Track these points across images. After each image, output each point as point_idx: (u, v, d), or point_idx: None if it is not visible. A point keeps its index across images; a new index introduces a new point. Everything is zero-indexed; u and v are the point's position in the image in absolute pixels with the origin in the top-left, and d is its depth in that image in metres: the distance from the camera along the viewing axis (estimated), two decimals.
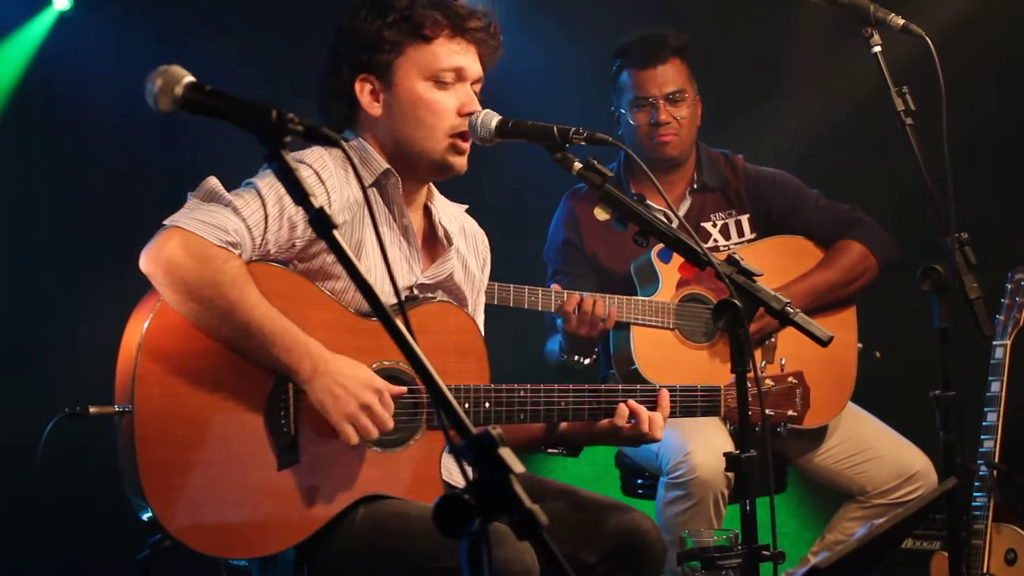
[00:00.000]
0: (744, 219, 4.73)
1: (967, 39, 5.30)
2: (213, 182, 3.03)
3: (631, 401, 3.25)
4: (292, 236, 3.06)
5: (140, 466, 2.87)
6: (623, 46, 4.74)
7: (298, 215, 3.01)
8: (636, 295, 4.53)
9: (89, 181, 5.59)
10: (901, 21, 3.74)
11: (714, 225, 4.70)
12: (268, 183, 3.01)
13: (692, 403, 3.35)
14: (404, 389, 3.03)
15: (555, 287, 4.36)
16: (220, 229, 2.93)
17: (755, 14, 5.82)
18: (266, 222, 3.00)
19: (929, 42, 3.69)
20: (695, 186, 4.73)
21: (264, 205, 3.00)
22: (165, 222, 2.96)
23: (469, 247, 3.47)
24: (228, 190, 3.04)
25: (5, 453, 5.36)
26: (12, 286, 5.50)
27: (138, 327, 2.97)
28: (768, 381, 3.44)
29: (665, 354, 4.44)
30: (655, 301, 4.48)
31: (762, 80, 5.82)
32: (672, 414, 3.31)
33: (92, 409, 2.97)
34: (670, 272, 4.52)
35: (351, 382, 2.96)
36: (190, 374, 2.93)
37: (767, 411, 3.37)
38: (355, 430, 2.97)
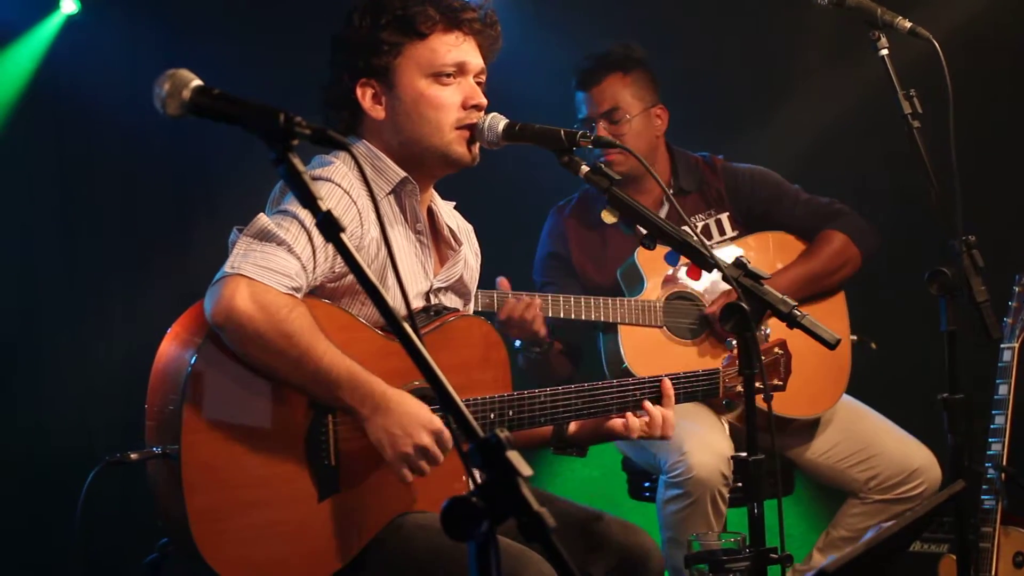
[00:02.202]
0: (724, 217, 4.75)
1: (974, 42, 5.30)
2: (264, 219, 2.99)
3: (646, 403, 3.28)
4: (334, 263, 3.05)
5: (190, 514, 2.86)
6: (575, 66, 4.80)
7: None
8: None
9: (96, 183, 5.61)
10: (908, 24, 3.74)
11: (695, 227, 4.70)
12: (307, 212, 2.99)
13: (694, 388, 3.39)
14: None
15: (501, 282, 4.34)
16: (284, 275, 2.92)
17: (762, 17, 5.82)
18: (314, 256, 2.99)
19: (936, 45, 3.69)
20: (671, 191, 4.73)
21: (311, 239, 2.98)
22: (225, 269, 2.92)
23: (465, 243, 3.47)
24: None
25: (10, 452, 5.39)
26: (19, 286, 5.51)
27: (176, 363, 2.95)
28: None
29: (654, 351, 4.48)
30: (641, 301, 4.51)
31: (769, 83, 5.82)
32: (676, 400, 3.33)
33: (132, 455, 2.95)
34: (655, 272, 4.54)
35: (409, 422, 2.95)
36: (233, 415, 2.94)
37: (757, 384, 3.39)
38: (409, 470, 2.97)
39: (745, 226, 4.76)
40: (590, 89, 4.72)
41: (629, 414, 3.28)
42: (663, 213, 4.71)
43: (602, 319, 4.44)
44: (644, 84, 4.75)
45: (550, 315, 4.39)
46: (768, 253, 4.67)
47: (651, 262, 4.55)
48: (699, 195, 4.76)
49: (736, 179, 4.77)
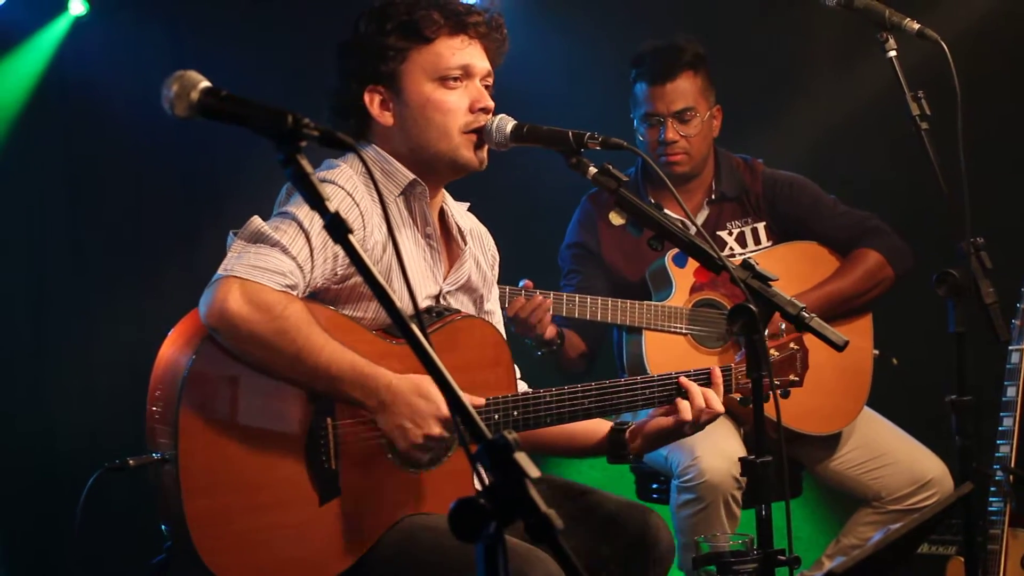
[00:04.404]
0: (760, 227, 4.72)
1: (982, 43, 5.29)
2: (258, 222, 3.00)
3: (683, 379, 3.28)
4: (335, 266, 3.05)
5: (188, 519, 2.87)
6: (638, 55, 4.70)
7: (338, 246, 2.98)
8: (651, 300, 4.53)
9: (105, 184, 5.62)
10: (916, 26, 3.74)
11: (730, 233, 4.68)
12: (306, 213, 2.98)
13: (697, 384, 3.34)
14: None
15: (526, 284, 4.31)
16: (277, 273, 2.92)
17: (771, 18, 5.81)
18: (312, 258, 2.99)
19: (944, 46, 3.68)
20: (713, 196, 4.71)
21: (309, 240, 2.98)
22: (219, 271, 2.93)
23: (476, 245, 3.47)
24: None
25: (16, 452, 5.39)
26: (27, 287, 5.52)
27: (174, 367, 2.96)
28: (773, 352, 3.45)
29: (677, 359, 4.43)
30: (668, 306, 4.48)
31: (778, 84, 5.81)
32: (685, 396, 3.30)
33: (131, 461, 2.95)
34: (684, 277, 4.52)
35: (416, 414, 2.95)
36: (231, 419, 2.94)
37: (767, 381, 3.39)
38: (425, 458, 2.99)
39: (780, 236, 4.73)
40: (663, 84, 4.61)
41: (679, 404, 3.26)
42: (701, 218, 4.70)
43: (627, 323, 4.42)
44: (709, 84, 4.69)
45: (576, 315, 4.36)
46: (801, 265, 4.64)
47: (679, 268, 4.52)
48: (739, 202, 4.72)
49: (775, 186, 4.73)
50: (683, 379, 3.28)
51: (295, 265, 2.96)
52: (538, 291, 4.29)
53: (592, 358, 4.69)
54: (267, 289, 2.91)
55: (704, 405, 3.26)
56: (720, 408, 3.29)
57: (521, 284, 4.27)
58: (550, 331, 4.35)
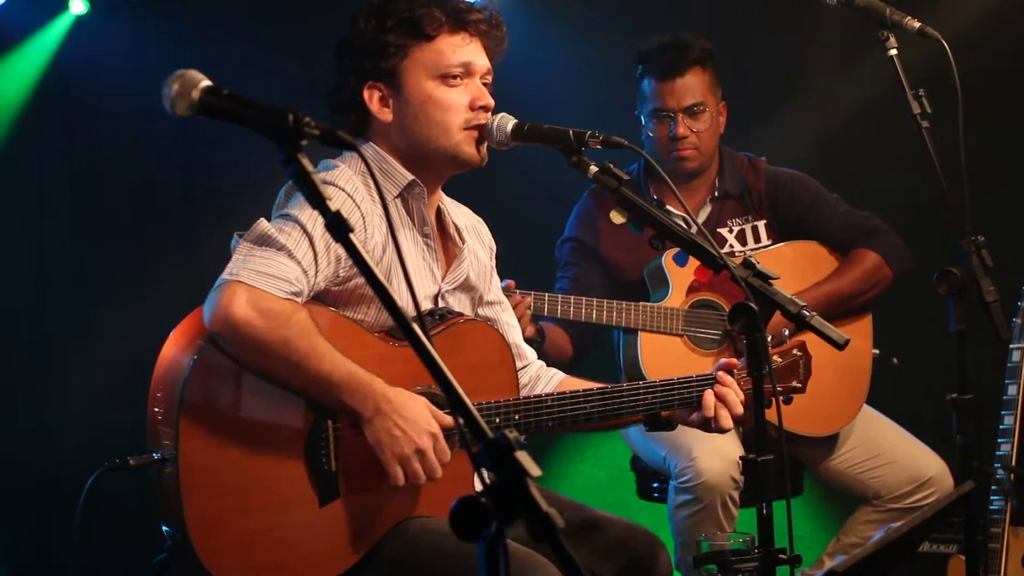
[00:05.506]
0: (761, 225, 4.71)
1: (983, 42, 5.29)
2: (264, 224, 2.99)
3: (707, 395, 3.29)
4: (338, 268, 3.05)
5: (188, 519, 2.87)
6: (646, 51, 4.69)
7: (341, 248, 2.96)
8: (649, 299, 4.52)
9: (105, 184, 5.61)
10: (917, 24, 3.73)
11: (730, 231, 4.68)
12: (309, 216, 2.98)
13: (701, 390, 3.33)
14: (451, 421, 3.00)
15: (508, 284, 4.28)
16: (282, 280, 2.92)
17: (771, 16, 5.81)
18: (316, 262, 2.98)
19: (945, 45, 3.68)
20: (716, 194, 4.71)
21: (312, 244, 2.97)
22: (224, 275, 2.92)
23: (474, 240, 3.47)
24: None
25: (19, 451, 5.40)
26: (27, 286, 5.52)
27: (175, 367, 2.96)
28: (776, 358, 3.45)
29: (673, 361, 4.42)
30: (664, 307, 4.47)
31: (778, 82, 5.81)
32: (689, 403, 3.31)
33: (132, 460, 2.95)
34: (682, 277, 4.51)
35: (410, 425, 2.95)
36: (231, 420, 2.94)
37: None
38: (403, 473, 2.97)
39: (780, 235, 4.73)
40: (672, 80, 4.60)
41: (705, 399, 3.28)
42: (704, 214, 4.70)
43: (622, 324, 4.41)
44: (716, 80, 4.69)
45: (571, 317, 4.34)
46: (800, 264, 4.64)
47: (679, 267, 4.52)
48: (740, 199, 4.71)
49: (777, 183, 4.73)
50: (707, 395, 3.28)
51: (300, 271, 2.95)
52: (519, 291, 4.27)
53: (579, 359, 4.67)
54: (272, 296, 2.90)
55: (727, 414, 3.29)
56: (739, 409, 3.28)
57: (503, 284, 4.26)
58: (529, 330, 4.34)
